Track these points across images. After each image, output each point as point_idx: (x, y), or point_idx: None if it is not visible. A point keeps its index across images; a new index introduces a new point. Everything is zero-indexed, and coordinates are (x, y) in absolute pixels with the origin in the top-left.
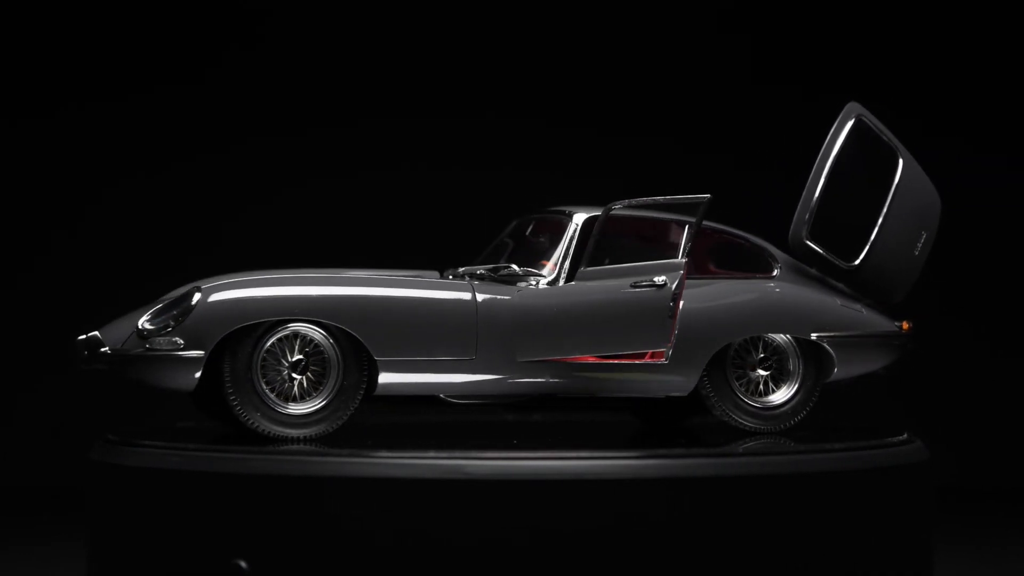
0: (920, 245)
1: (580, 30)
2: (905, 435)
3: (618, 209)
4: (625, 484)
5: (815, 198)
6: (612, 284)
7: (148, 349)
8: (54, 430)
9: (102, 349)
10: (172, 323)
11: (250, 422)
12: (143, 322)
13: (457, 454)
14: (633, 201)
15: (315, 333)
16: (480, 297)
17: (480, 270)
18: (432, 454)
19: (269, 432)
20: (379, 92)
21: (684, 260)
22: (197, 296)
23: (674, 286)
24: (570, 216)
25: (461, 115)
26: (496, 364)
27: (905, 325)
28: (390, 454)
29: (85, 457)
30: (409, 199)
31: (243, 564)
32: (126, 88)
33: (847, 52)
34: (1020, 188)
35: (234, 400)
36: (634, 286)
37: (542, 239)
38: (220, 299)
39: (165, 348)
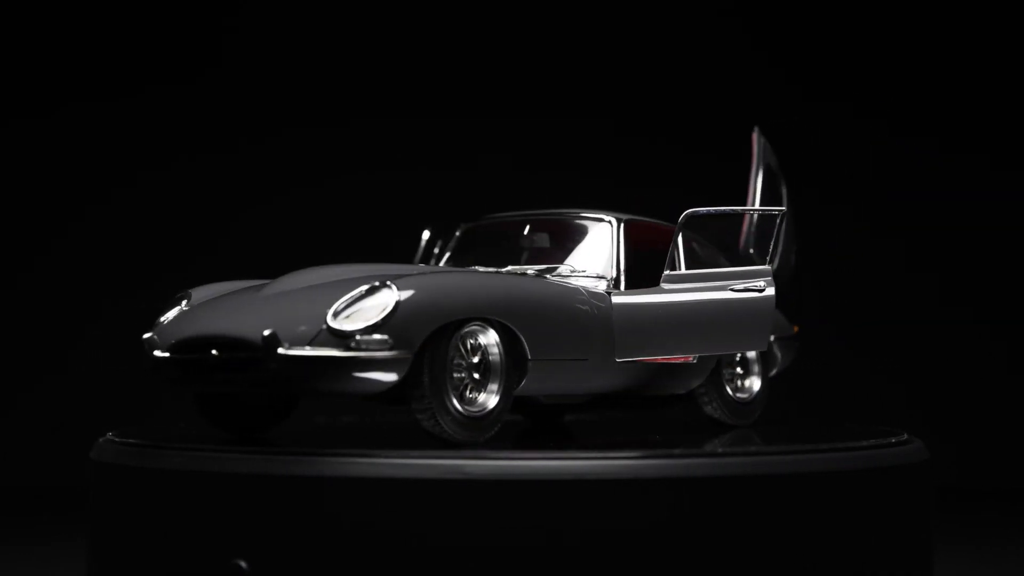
0: (793, 256)
1: (576, 30)
2: (905, 435)
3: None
4: (625, 484)
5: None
6: (715, 287)
7: (352, 348)
8: (54, 430)
9: (281, 349)
10: (377, 322)
11: (437, 427)
12: (338, 321)
13: (457, 454)
14: (711, 209)
15: (489, 334)
16: (614, 300)
17: (530, 270)
18: (432, 454)
19: (451, 436)
20: (373, 92)
21: (771, 267)
22: (389, 293)
23: (772, 291)
24: (610, 220)
25: (460, 116)
26: (603, 365)
27: (795, 328)
28: (390, 454)
29: (85, 457)
30: (407, 198)
31: (243, 564)
32: (119, 90)
33: (856, 59)
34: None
35: (427, 402)
36: (738, 290)
37: (545, 240)
38: (419, 297)
39: (373, 348)
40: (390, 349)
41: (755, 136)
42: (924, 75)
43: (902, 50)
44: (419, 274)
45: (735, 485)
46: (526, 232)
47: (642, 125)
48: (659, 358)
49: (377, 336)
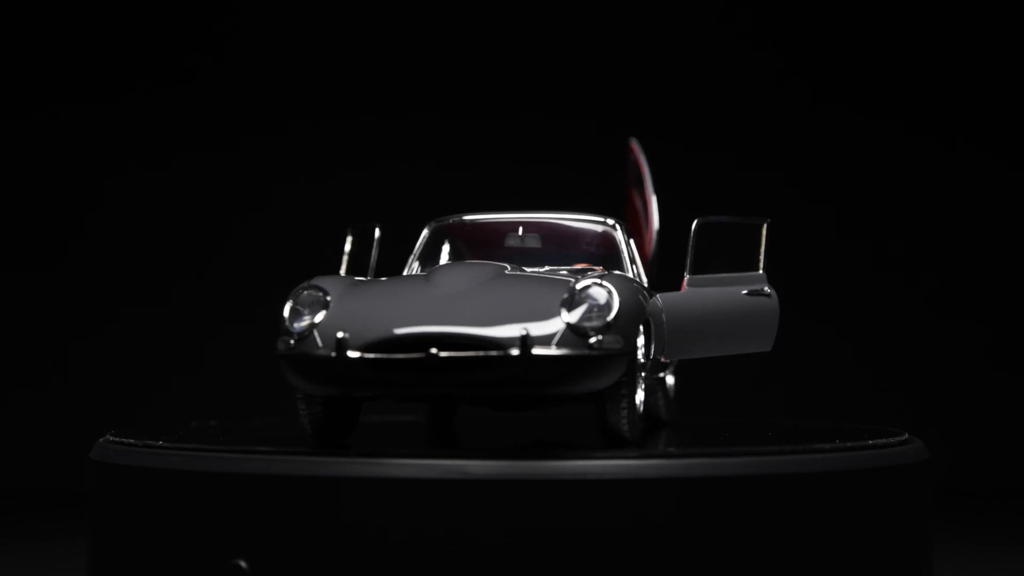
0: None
1: (565, 29)
2: (905, 435)
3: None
4: (625, 484)
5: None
6: (731, 291)
7: (592, 348)
8: (54, 430)
9: (535, 350)
10: (609, 321)
11: (626, 425)
12: (579, 321)
13: (457, 454)
14: (721, 218)
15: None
16: (660, 302)
17: (564, 271)
18: (432, 454)
19: (634, 435)
20: (372, 93)
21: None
22: (611, 292)
23: (775, 294)
24: (615, 223)
25: (458, 115)
26: (650, 366)
27: None
28: (390, 454)
29: (85, 457)
30: (405, 197)
31: (243, 564)
32: (117, 88)
33: (853, 58)
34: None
35: (625, 401)
36: (749, 294)
37: (536, 241)
38: (628, 296)
39: (609, 347)
40: (620, 348)
41: (635, 146)
42: (922, 75)
43: (898, 50)
44: (600, 274)
45: (735, 485)
46: (521, 232)
47: (625, 123)
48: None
49: (611, 336)
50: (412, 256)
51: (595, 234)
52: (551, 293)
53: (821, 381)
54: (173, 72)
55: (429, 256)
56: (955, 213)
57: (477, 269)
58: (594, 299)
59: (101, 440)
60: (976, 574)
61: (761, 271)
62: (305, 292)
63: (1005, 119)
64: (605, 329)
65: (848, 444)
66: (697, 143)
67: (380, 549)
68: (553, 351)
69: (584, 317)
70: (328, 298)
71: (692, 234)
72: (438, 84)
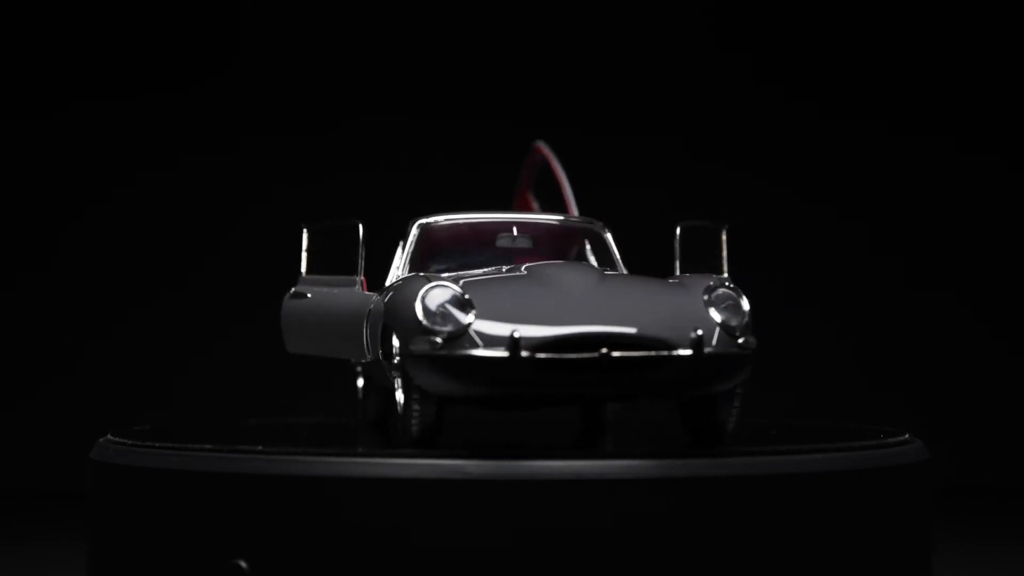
0: None
1: (554, 29)
2: (905, 435)
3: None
4: (625, 484)
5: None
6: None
7: (741, 347)
8: (54, 430)
9: (707, 349)
10: (747, 321)
11: (732, 424)
12: (727, 320)
13: (457, 454)
14: (703, 222)
15: None
16: None
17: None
18: (432, 454)
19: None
20: (369, 93)
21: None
22: (731, 292)
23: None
24: (602, 225)
25: (457, 115)
26: None
27: None
28: (390, 454)
29: (85, 457)
30: (405, 197)
31: (243, 564)
32: (124, 91)
33: (840, 58)
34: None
35: (739, 400)
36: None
37: (527, 242)
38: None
39: (752, 345)
40: (756, 346)
41: (544, 148)
42: (921, 75)
43: (892, 49)
44: (709, 276)
45: (735, 485)
46: (516, 232)
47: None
48: None
49: (751, 335)
50: (404, 254)
51: (585, 234)
52: (688, 295)
53: (821, 381)
54: (180, 74)
55: (423, 256)
56: (955, 213)
57: (581, 268)
58: (731, 300)
59: (101, 440)
60: (976, 574)
61: (725, 275)
62: (439, 290)
63: (1002, 119)
64: (746, 329)
65: (848, 444)
66: (691, 145)
67: (380, 549)
68: (719, 350)
69: (730, 317)
70: (467, 296)
71: (677, 238)
72: (432, 85)
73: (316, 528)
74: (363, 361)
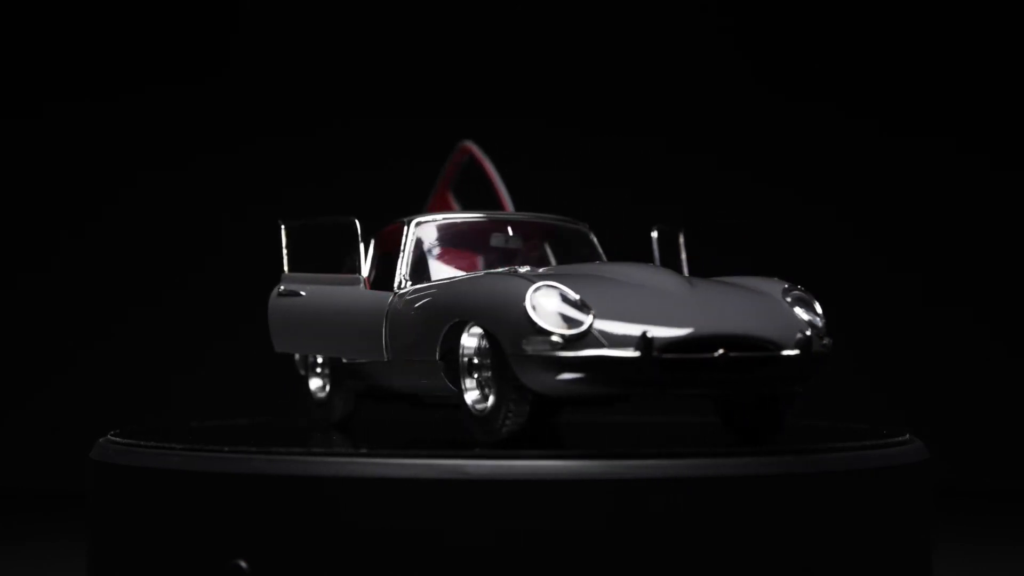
0: None
1: (545, 29)
2: (905, 435)
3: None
4: (625, 484)
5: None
6: None
7: (825, 348)
8: (54, 430)
9: (785, 353)
10: (824, 323)
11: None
12: (813, 322)
13: (457, 454)
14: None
15: None
16: None
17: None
18: (432, 454)
19: None
20: (368, 93)
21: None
22: (806, 295)
23: None
24: (588, 226)
25: (455, 115)
26: None
27: None
28: (390, 454)
29: (85, 457)
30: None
31: (243, 564)
32: (124, 90)
33: (832, 57)
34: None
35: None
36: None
37: (518, 242)
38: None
39: (830, 346)
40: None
41: (473, 148)
42: (917, 74)
43: (887, 49)
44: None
45: (735, 485)
46: (510, 232)
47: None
48: None
49: (827, 336)
50: (403, 253)
51: (572, 234)
52: (771, 297)
53: (821, 381)
54: (180, 74)
55: (422, 254)
56: (955, 214)
57: (661, 269)
58: (809, 302)
59: (101, 440)
60: (976, 574)
61: (685, 274)
62: (549, 290)
63: (997, 120)
64: (825, 331)
65: (848, 444)
66: (684, 143)
67: (380, 549)
68: (815, 350)
69: (813, 318)
70: (578, 297)
71: (655, 241)
72: (425, 87)
73: (316, 528)
74: (363, 361)
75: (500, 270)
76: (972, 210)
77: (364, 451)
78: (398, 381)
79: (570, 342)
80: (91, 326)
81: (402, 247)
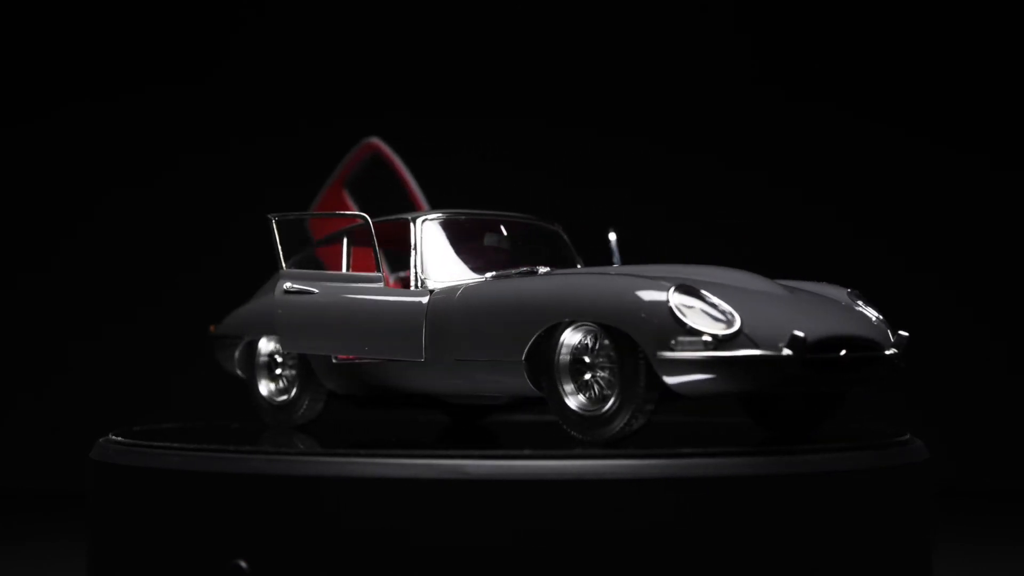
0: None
1: (562, 30)
2: (905, 435)
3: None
4: (625, 484)
5: None
6: None
7: (899, 354)
8: (54, 430)
9: (887, 352)
10: None
11: None
12: (882, 321)
13: (457, 454)
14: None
15: None
16: None
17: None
18: (432, 454)
19: None
20: (362, 93)
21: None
22: (862, 297)
23: None
24: (559, 226)
25: (454, 115)
26: None
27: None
28: (390, 454)
29: (85, 457)
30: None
31: (243, 564)
32: (119, 89)
33: (837, 56)
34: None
35: None
36: None
37: (507, 242)
38: None
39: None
40: None
41: (382, 145)
42: (914, 74)
43: (886, 48)
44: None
45: (735, 485)
46: (504, 232)
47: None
48: None
49: None
50: (416, 252)
51: (548, 234)
52: (850, 301)
53: None
54: (174, 74)
55: (436, 252)
56: (955, 212)
57: (746, 272)
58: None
59: (101, 440)
60: (976, 574)
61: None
62: (690, 291)
63: (998, 120)
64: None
65: (848, 444)
66: (682, 143)
67: (380, 549)
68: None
69: (882, 319)
70: (717, 299)
71: (613, 244)
72: (416, 85)
73: (316, 528)
74: (385, 362)
75: (581, 270)
76: (972, 210)
77: (364, 451)
78: (440, 381)
79: (722, 342)
80: (92, 326)
81: (414, 246)
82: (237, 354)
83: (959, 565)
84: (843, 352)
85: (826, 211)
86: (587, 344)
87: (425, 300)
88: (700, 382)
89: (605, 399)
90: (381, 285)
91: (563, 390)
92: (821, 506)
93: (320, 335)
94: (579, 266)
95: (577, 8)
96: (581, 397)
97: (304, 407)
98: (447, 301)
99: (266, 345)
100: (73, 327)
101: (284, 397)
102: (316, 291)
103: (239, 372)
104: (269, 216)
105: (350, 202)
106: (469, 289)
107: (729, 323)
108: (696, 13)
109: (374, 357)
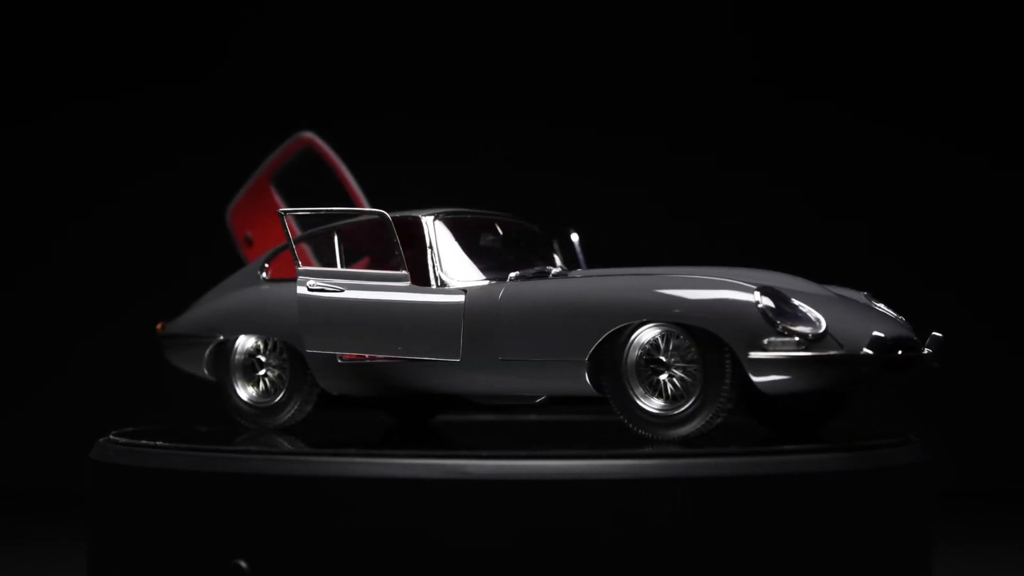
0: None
1: (561, 29)
2: (905, 435)
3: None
4: (625, 484)
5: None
6: None
7: (933, 354)
8: (54, 430)
9: (925, 351)
10: None
11: None
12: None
13: (457, 454)
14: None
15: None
16: None
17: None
18: (432, 454)
19: None
20: (369, 92)
21: None
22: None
23: None
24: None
25: (454, 115)
26: None
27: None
28: (390, 454)
29: (85, 457)
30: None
31: (243, 564)
32: (119, 90)
33: (837, 56)
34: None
35: None
36: None
37: (499, 242)
38: None
39: None
40: None
41: (316, 140)
42: (912, 74)
43: (884, 48)
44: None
45: (735, 485)
46: (500, 231)
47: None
48: None
49: None
50: (433, 250)
51: (532, 235)
52: (863, 302)
53: None
54: (174, 74)
55: (449, 248)
56: (954, 212)
57: (786, 274)
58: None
59: (101, 440)
60: (976, 574)
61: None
62: (774, 293)
63: (998, 119)
64: None
65: (848, 444)
66: (682, 143)
67: (380, 549)
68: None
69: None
70: (797, 300)
71: (576, 244)
72: (411, 84)
73: (316, 528)
74: (440, 360)
75: (642, 271)
76: (971, 210)
77: (364, 451)
78: (476, 381)
79: (812, 342)
80: (92, 325)
81: (429, 244)
82: (207, 354)
83: (959, 565)
84: (899, 352)
85: (826, 211)
86: (658, 344)
87: (461, 299)
88: (787, 381)
89: (680, 398)
90: (408, 284)
91: (633, 389)
92: (821, 506)
93: (349, 335)
94: (559, 266)
95: (577, 8)
96: (654, 398)
97: (293, 409)
98: (489, 300)
99: (244, 344)
100: (73, 327)
101: (268, 399)
102: (343, 290)
103: (206, 373)
104: (280, 211)
105: (277, 197)
106: (515, 288)
107: (816, 324)
108: (696, 13)
109: (408, 357)
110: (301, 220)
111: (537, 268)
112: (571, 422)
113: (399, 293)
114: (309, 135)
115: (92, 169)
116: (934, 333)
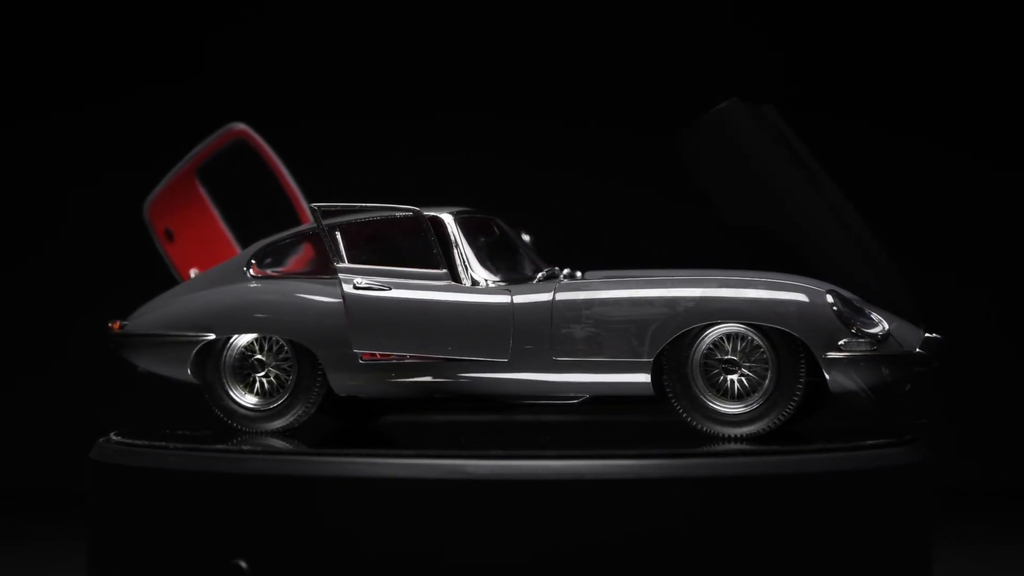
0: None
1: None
2: (905, 435)
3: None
4: (626, 484)
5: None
6: None
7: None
8: (54, 430)
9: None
10: None
11: None
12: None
13: (457, 454)
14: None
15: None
16: None
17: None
18: (432, 454)
19: None
20: (369, 92)
21: None
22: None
23: None
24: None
25: (452, 112)
26: None
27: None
28: (390, 454)
29: (85, 457)
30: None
31: (243, 564)
32: (116, 88)
33: (833, 62)
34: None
35: None
36: None
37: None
38: None
39: None
40: None
41: (250, 132)
42: (912, 74)
43: (884, 48)
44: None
45: (735, 485)
46: (497, 231)
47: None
48: None
49: None
50: (460, 249)
51: (518, 235)
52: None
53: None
54: (173, 74)
55: (475, 248)
56: (954, 211)
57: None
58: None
59: (101, 440)
60: (976, 574)
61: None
62: (838, 294)
63: (998, 119)
64: None
65: (849, 444)
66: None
67: (380, 549)
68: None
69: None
70: (854, 300)
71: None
72: (408, 84)
73: (316, 528)
74: (488, 360)
75: (707, 272)
76: (971, 208)
77: (364, 451)
78: (526, 380)
79: (880, 342)
80: (92, 325)
81: (455, 242)
82: (193, 355)
83: (959, 565)
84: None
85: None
86: (723, 344)
87: (507, 299)
88: (864, 380)
89: (743, 397)
90: (449, 282)
91: (700, 389)
92: (821, 506)
93: (399, 335)
94: (565, 269)
95: (577, 8)
96: (719, 397)
97: (298, 412)
98: (540, 300)
99: (238, 344)
100: (73, 326)
101: (267, 402)
102: (390, 288)
103: (189, 375)
104: (312, 206)
105: (201, 190)
106: (570, 288)
107: (882, 326)
108: (696, 13)
109: (458, 357)
110: (294, 219)
111: (547, 269)
112: (571, 422)
113: (448, 292)
114: (242, 127)
115: (92, 169)
116: (931, 334)
